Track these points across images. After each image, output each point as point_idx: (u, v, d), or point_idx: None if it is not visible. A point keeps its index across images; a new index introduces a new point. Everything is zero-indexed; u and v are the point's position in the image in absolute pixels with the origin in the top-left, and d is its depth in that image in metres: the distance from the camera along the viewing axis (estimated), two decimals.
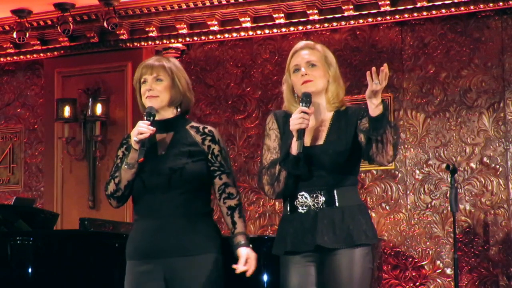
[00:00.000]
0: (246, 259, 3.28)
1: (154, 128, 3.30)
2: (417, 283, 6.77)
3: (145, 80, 3.40)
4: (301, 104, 3.22)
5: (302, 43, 3.41)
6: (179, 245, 3.27)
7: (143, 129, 3.27)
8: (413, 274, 6.79)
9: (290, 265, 3.26)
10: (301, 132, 3.16)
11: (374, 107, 3.09)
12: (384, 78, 3.06)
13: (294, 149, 3.18)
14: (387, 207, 6.91)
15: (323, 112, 3.35)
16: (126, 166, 3.33)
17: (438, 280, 6.71)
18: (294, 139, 3.18)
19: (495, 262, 6.55)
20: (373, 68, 3.09)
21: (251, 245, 3.33)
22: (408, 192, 6.86)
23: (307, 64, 3.32)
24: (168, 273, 3.29)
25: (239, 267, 3.27)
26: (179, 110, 3.45)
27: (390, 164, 6.88)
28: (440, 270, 6.71)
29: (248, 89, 7.47)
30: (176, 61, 3.49)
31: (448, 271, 6.67)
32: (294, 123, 3.17)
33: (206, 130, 3.43)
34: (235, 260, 3.30)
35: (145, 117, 3.33)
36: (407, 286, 6.80)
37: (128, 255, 3.38)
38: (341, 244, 3.19)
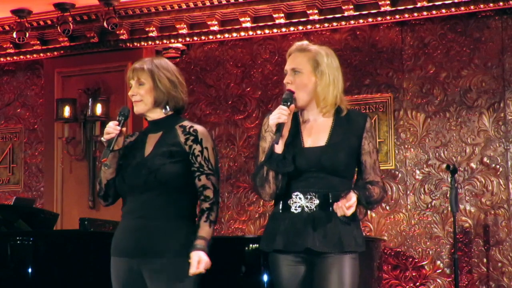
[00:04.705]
0: (197, 262, 3.25)
1: (123, 128, 3.35)
2: (417, 283, 6.77)
3: (130, 85, 3.44)
4: (282, 101, 3.22)
5: (295, 45, 3.37)
6: (155, 247, 3.28)
7: (109, 129, 3.34)
8: (413, 274, 6.78)
9: (280, 264, 3.27)
10: (280, 126, 3.16)
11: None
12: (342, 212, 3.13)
13: (278, 147, 3.18)
14: (387, 207, 6.91)
15: (316, 115, 3.33)
16: (103, 166, 3.38)
17: (438, 280, 6.71)
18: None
19: (495, 262, 6.55)
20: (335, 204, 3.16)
21: (207, 249, 3.31)
22: (408, 192, 6.86)
23: (292, 71, 3.29)
24: (146, 272, 3.31)
25: (190, 270, 3.25)
26: (168, 109, 3.43)
27: (390, 164, 6.91)
28: (440, 270, 6.71)
29: (248, 89, 7.46)
30: (161, 61, 3.45)
31: (448, 271, 6.66)
32: (272, 117, 3.18)
33: (191, 130, 3.39)
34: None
35: (117, 117, 3.38)
36: (407, 286, 6.79)
37: (111, 251, 3.42)
38: (331, 249, 3.19)
